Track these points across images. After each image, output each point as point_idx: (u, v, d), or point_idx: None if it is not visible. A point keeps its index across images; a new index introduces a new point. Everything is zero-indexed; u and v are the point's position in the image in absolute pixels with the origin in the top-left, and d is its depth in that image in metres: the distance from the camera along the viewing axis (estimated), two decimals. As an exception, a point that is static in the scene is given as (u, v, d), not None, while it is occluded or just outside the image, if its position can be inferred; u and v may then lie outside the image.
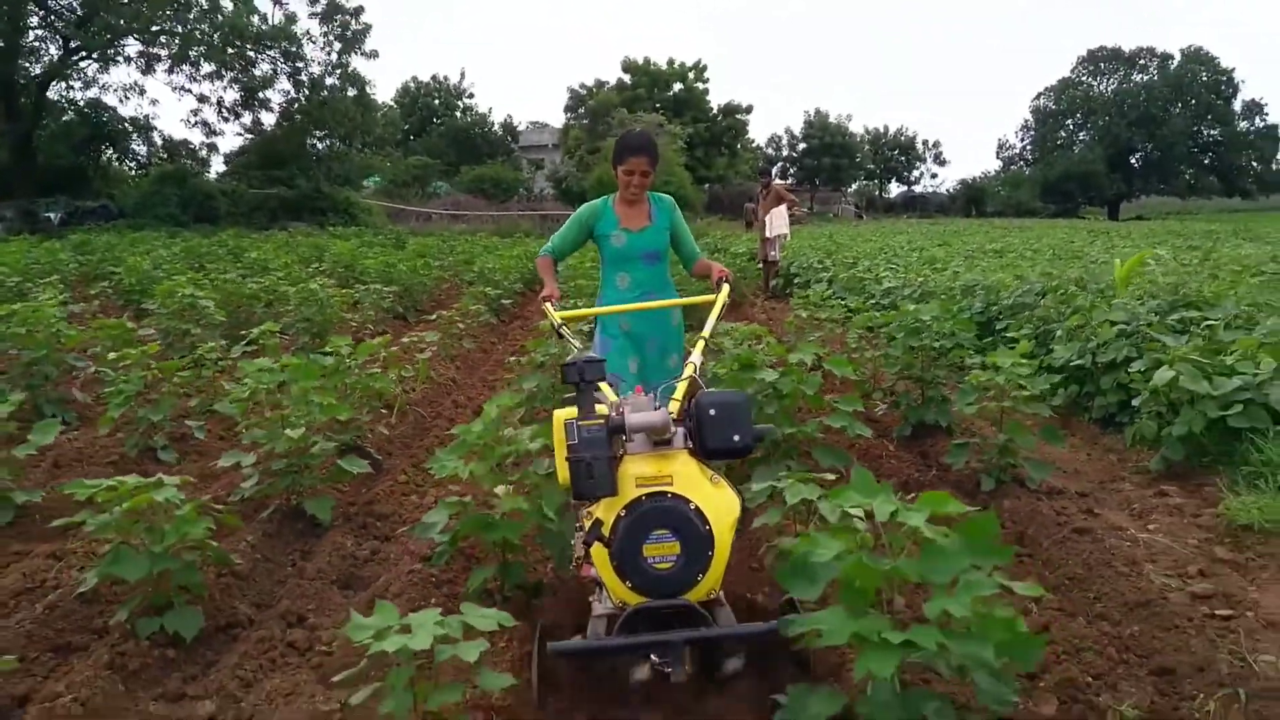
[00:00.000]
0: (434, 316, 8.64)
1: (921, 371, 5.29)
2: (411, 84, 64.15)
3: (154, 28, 30.59)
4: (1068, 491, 4.36)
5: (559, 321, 3.68)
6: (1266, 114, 69.86)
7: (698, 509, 2.57)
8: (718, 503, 2.63)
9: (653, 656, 2.56)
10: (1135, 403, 4.96)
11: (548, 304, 3.86)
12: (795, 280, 13.39)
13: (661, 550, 2.54)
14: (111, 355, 5.07)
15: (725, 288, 3.83)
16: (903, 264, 12.36)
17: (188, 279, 9.88)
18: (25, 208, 29.44)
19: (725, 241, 21.03)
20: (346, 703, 2.22)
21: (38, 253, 15.54)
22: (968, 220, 51.18)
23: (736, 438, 2.72)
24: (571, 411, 2.74)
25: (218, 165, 38.57)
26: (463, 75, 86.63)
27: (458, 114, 64.36)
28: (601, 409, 2.77)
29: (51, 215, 29.68)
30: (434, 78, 65.10)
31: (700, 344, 3.48)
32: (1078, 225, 38.27)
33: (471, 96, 72.12)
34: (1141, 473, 4.71)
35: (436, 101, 65.24)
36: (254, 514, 3.89)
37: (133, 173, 37.89)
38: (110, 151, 37.24)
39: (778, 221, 12.51)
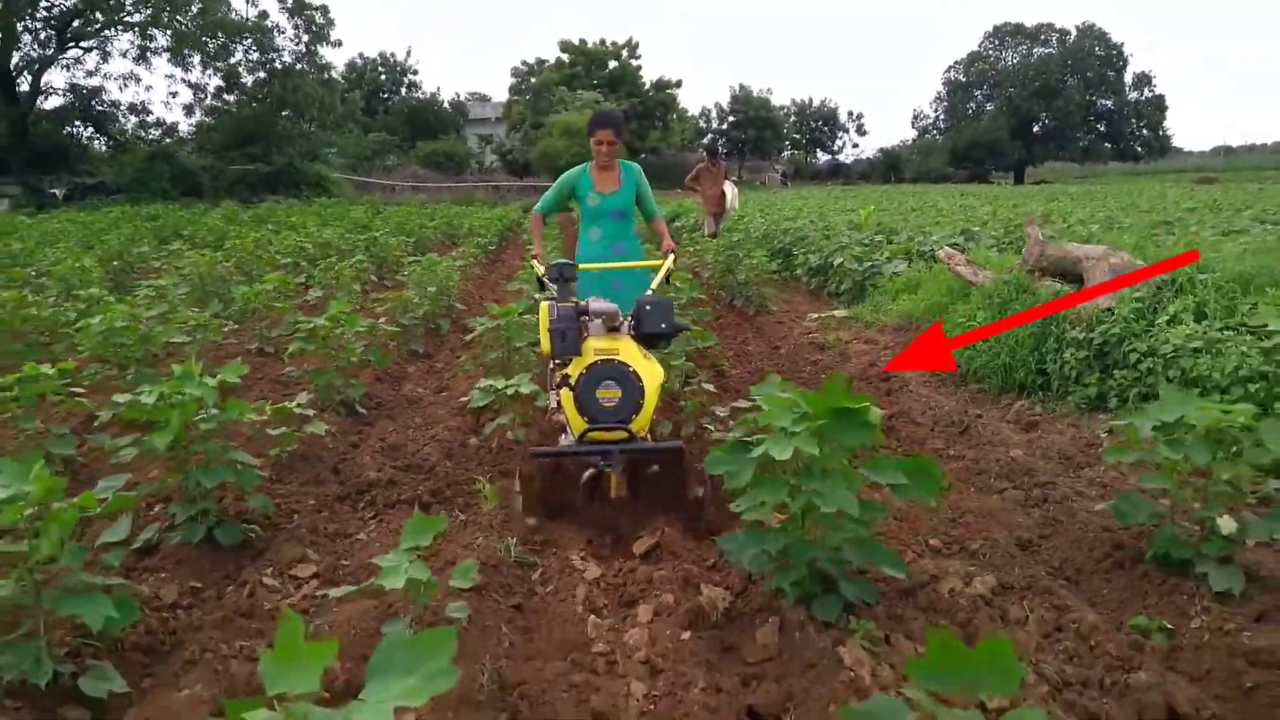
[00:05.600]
0: (454, 254, 13.32)
1: (733, 270, 10.16)
2: (359, 59, 67.59)
3: (133, 17, 34.26)
4: (791, 315, 9.29)
5: (542, 271, 4.56)
6: (1154, 85, 75.94)
7: (635, 371, 3.71)
8: (649, 369, 3.81)
9: (600, 460, 3.74)
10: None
11: (534, 261, 4.85)
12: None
13: (609, 394, 3.67)
14: (319, 264, 9.76)
15: (670, 257, 4.78)
16: (772, 217, 17.29)
17: (260, 234, 14.52)
18: (31, 184, 33.01)
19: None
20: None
21: (106, 220, 19.73)
22: (882, 186, 55.85)
23: (663, 325, 3.98)
24: (552, 300, 3.97)
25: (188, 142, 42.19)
26: (409, 53, 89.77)
27: (403, 90, 68.08)
28: (573, 300, 3.96)
29: (56, 191, 33.26)
30: (380, 54, 68.64)
31: (649, 292, 4.47)
32: (968, 190, 43.38)
33: (416, 73, 76.06)
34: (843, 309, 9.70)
35: (383, 77, 68.84)
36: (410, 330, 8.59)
37: (109, 151, 41.20)
38: (91, 131, 40.70)
39: (733, 197, 15.79)
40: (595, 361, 3.73)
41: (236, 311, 7.76)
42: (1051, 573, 3.32)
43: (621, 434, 3.70)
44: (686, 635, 2.83)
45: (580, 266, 4.74)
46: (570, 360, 3.85)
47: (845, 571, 2.87)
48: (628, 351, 3.81)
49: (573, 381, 3.73)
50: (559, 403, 4.01)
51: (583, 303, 3.96)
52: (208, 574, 3.37)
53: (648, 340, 4.03)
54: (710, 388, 5.14)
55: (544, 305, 4.02)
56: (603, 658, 2.73)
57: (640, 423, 3.74)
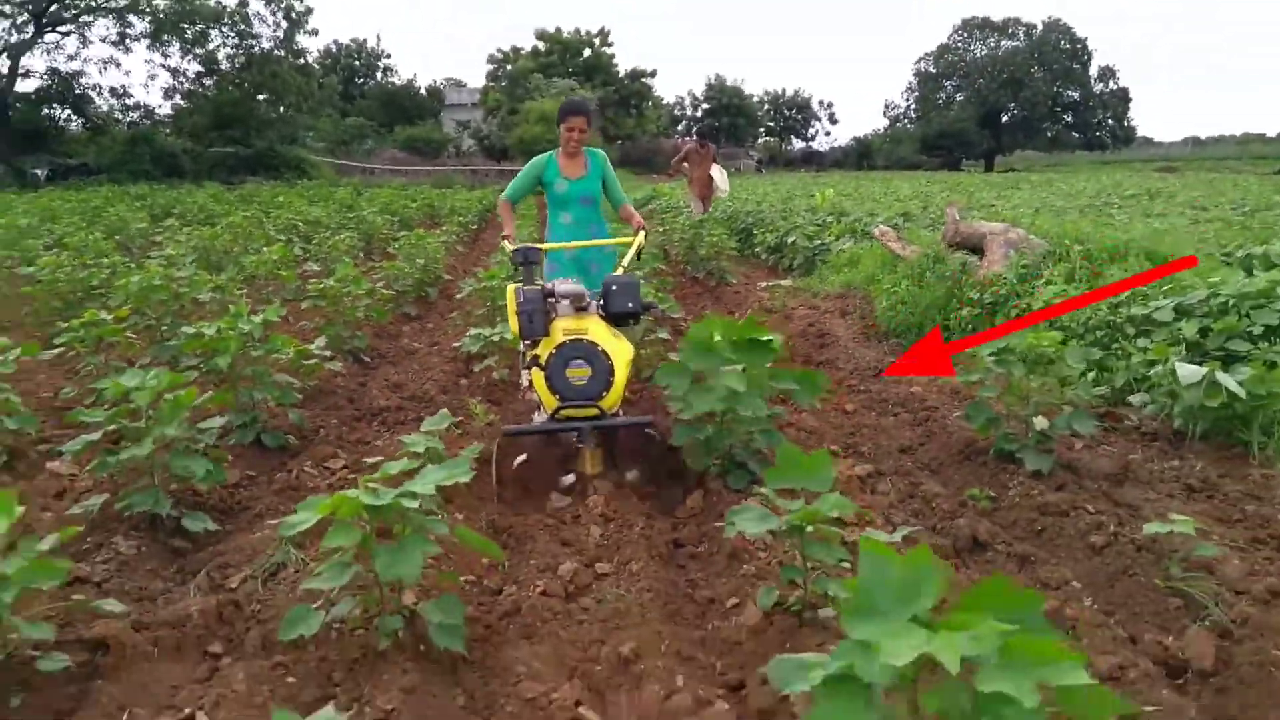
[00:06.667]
0: (437, 232, 14.17)
1: (696, 247, 11.08)
2: (334, 45, 67.99)
3: (110, 3, 34.72)
4: (748, 285, 10.22)
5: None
6: (1118, 78, 77.57)
7: (603, 350, 3.81)
8: (617, 348, 3.91)
9: (574, 437, 3.88)
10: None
11: (505, 241, 4.84)
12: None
13: (579, 373, 3.78)
14: (313, 239, 10.58)
15: (641, 234, 4.86)
16: (740, 199, 18.23)
17: (249, 212, 15.31)
18: (13, 165, 33.37)
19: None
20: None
21: (99, 198, 20.35)
22: (854, 173, 56.93)
23: (630, 304, 4.07)
24: (519, 284, 4.06)
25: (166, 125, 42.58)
26: (379, 39, 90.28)
27: (378, 75, 68.65)
28: (539, 283, 4.06)
29: (38, 172, 33.65)
30: (353, 40, 69.09)
31: (619, 269, 4.65)
32: (934, 177, 44.44)
33: (389, 57, 76.41)
34: (790, 280, 10.64)
35: (358, 63, 69.28)
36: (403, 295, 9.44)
37: (86, 133, 41.44)
38: (68, 113, 40.97)
39: (723, 179, 15.97)
40: (564, 341, 3.84)
41: (243, 278, 8.58)
42: (919, 465, 4.28)
43: (593, 411, 3.83)
44: (634, 500, 3.76)
45: (552, 247, 4.94)
46: (539, 341, 3.94)
47: (753, 455, 3.81)
48: (596, 331, 3.92)
49: (542, 361, 3.84)
50: (530, 382, 4.10)
51: (548, 285, 4.05)
52: (259, 466, 4.27)
53: (616, 319, 4.13)
54: (665, 336, 6.07)
55: (510, 289, 4.13)
56: (569, 512, 3.65)
57: (611, 399, 3.86)
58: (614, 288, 4.10)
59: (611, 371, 3.83)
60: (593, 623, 2.83)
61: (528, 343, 4.06)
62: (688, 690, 2.39)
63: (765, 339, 3.68)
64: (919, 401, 5.22)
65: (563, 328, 3.91)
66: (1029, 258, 6.31)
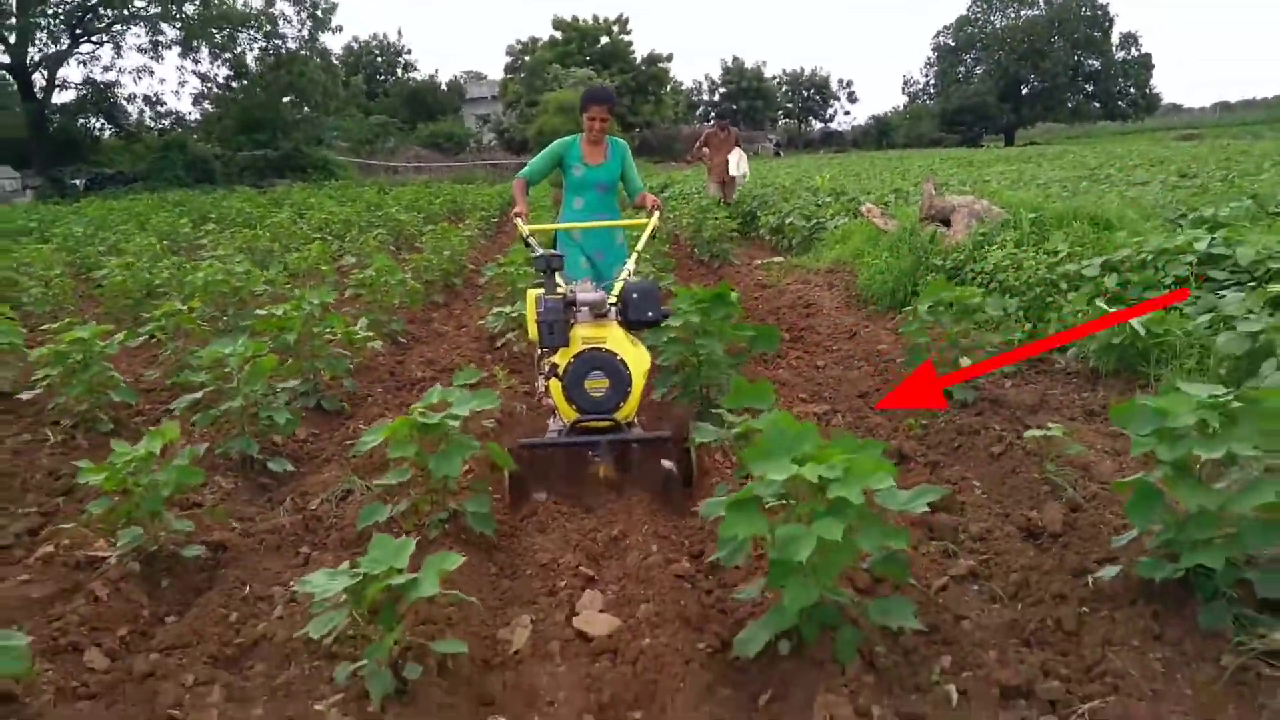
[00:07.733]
0: (461, 226, 15.06)
1: (701, 230, 11.84)
2: (354, 43, 69.16)
3: (149, 11, 35.94)
4: (749, 265, 10.98)
5: (527, 232, 4.69)
6: (1140, 44, 76.89)
7: (622, 359, 3.85)
8: (636, 357, 3.96)
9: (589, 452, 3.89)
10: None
11: (518, 219, 4.83)
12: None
13: (596, 384, 3.82)
14: (345, 237, 11.50)
15: (656, 215, 4.86)
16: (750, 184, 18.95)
17: (284, 214, 16.26)
18: (52, 175, 34.70)
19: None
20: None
21: (142, 206, 21.46)
22: (871, 152, 57.15)
23: (650, 313, 4.13)
24: (539, 290, 4.10)
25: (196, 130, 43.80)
26: (400, 34, 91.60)
27: (399, 71, 69.78)
28: (561, 289, 4.07)
29: (77, 182, 34.98)
30: (373, 36, 70.20)
31: (634, 255, 4.67)
32: (950, 154, 44.67)
33: (410, 53, 77.46)
34: (783, 258, 11.39)
35: (379, 60, 70.43)
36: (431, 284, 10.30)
37: (120, 141, 42.71)
38: (102, 122, 42.31)
39: (742, 164, 14.58)
40: (583, 350, 3.87)
41: (288, 273, 9.49)
42: (871, 406, 5.07)
43: (608, 422, 3.88)
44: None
45: (561, 226, 5.26)
46: (558, 348, 3.96)
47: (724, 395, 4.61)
48: (615, 339, 3.95)
49: (560, 371, 3.88)
50: (547, 388, 4.15)
51: (570, 293, 4.07)
52: (320, 425, 5.16)
53: (634, 326, 4.18)
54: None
55: (531, 295, 4.24)
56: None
57: (627, 410, 3.91)
58: (634, 295, 4.14)
59: (629, 382, 3.88)
60: (591, 519, 3.69)
61: (545, 349, 4.11)
62: (660, 554, 3.23)
63: (725, 295, 4.49)
64: (882, 358, 6.00)
65: (582, 336, 3.97)
66: (988, 226, 7.06)
